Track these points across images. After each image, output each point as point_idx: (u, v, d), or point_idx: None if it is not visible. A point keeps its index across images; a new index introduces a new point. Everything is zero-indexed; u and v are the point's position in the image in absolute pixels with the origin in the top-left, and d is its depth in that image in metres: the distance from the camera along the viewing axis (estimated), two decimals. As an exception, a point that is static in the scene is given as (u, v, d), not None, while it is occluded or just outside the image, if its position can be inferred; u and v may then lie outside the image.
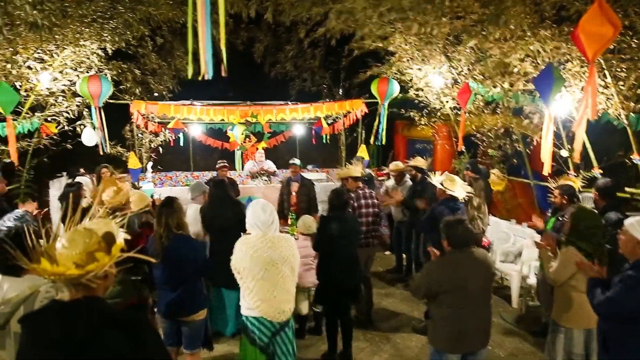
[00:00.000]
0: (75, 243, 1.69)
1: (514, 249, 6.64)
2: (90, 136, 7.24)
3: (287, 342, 3.36)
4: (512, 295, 6.18)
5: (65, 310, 1.71)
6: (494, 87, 6.64)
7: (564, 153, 5.73)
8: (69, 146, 8.19)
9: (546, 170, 4.71)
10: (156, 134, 10.42)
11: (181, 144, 10.72)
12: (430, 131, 10.83)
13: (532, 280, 5.93)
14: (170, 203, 3.75)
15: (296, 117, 9.09)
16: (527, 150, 7.01)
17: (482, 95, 7.28)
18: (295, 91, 13.17)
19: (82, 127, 7.86)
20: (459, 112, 8.08)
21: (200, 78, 2.51)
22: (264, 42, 12.59)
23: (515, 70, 5.84)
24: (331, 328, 4.75)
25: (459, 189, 5.16)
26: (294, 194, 7.29)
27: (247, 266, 3.24)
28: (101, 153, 7.27)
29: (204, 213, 5.04)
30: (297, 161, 7.49)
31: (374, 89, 7.63)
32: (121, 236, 1.83)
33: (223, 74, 2.56)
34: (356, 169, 5.61)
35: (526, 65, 5.74)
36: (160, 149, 10.63)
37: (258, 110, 8.50)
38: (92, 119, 6.99)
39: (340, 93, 12.03)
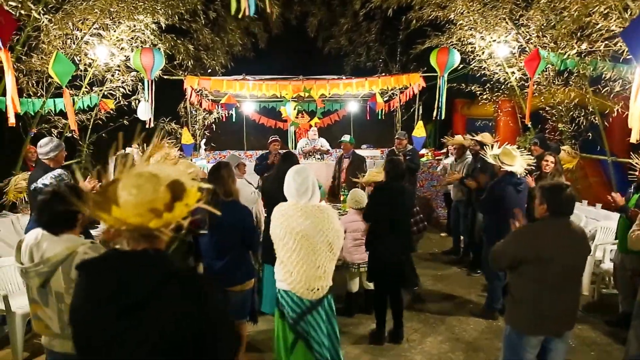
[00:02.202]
0: (145, 190, 1.45)
1: (586, 232, 6.05)
2: (145, 110, 7.32)
3: (320, 323, 3.09)
4: (583, 281, 5.62)
5: (128, 260, 1.53)
6: (568, 53, 6.00)
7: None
8: (125, 122, 8.34)
9: (634, 137, 4.15)
10: (210, 112, 10.46)
11: (233, 120, 10.71)
12: (492, 108, 10.21)
13: (607, 266, 5.38)
14: (218, 169, 3.61)
15: (350, 92, 8.75)
16: (605, 123, 6.34)
17: (552, 65, 6.64)
18: (350, 67, 12.78)
19: (137, 101, 7.97)
20: (525, 84, 7.46)
21: (240, 16, 2.28)
22: (317, 16, 12.22)
23: (597, 28, 5.19)
24: (379, 304, 4.51)
25: (518, 162, 4.72)
26: (344, 171, 7.07)
27: (279, 235, 3.04)
28: (147, 126, 7.32)
29: (267, 185, 4.85)
30: (347, 137, 7.24)
31: (433, 59, 7.17)
32: (193, 183, 1.57)
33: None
34: (379, 174, 5.12)
35: (609, 22, 5.09)
36: (214, 127, 10.67)
37: (311, 84, 8.26)
38: (144, 93, 7.04)
39: (397, 68, 11.51)
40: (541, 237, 2.86)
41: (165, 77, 8.46)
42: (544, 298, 2.86)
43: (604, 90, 6.04)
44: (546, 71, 7.02)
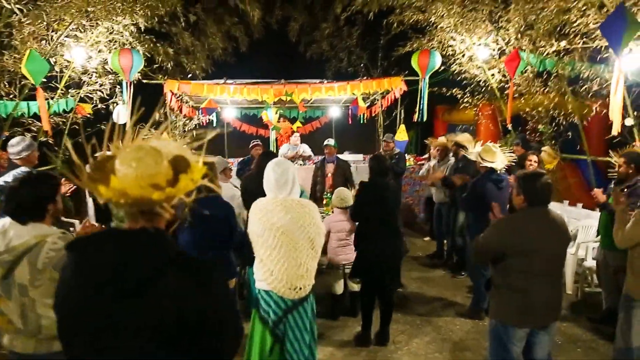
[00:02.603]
0: (146, 163, 1.32)
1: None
2: (122, 114, 7.13)
3: (300, 326, 2.96)
4: (566, 281, 5.64)
5: (126, 239, 1.39)
6: (546, 53, 6.07)
7: (629, 121, 5.14)
8: (103, 126, 8.13)
9: (615, 129, 4.17)
10: (190, 118, 10.32)
11: (214, 125, 10.58)
12: (472, 112, 10.29)
13: (589, 263, 5.39)
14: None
15: (332, 97, 8.72)
16: (584, 122, 6.41)
17: (532, 66, 6.71)
18: (332, 72, 12.78)
19: (114, 105, 7.78)
20: (506, 86, 7.52)
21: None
22: (299, 21, 12.19)
23: (574, 25, 5.26)
24: (366, 304, 4.42)
25: (499, 159, 4.73)
26: (329, 175, 7.01)
27: (257, 232, 2.91)
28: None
29: (247, 185, 4.73)
30: (331, 141, 7.19)
31: (414, 61, 7.19)
32: (197, 158, 1.46)
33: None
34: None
35: (587, 18, 5.16)
36: (194, 134, 10.51)
37: (293, 88, 8.20)
38: (123, 96, 6.87)
39: (379, 72, 11.55)
40: (521, 228, 2.83)
41: (144, 81, 8.30)
42: (528, 288, 2.82)
43: (582, 89, 6.11)
44: (525, 73, 7.09)
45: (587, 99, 6.07)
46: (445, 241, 6.98)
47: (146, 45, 7.94)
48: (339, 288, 4.96)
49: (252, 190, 4.36)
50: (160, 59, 8.37)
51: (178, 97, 9.24)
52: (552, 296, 2.91)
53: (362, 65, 12.60)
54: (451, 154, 6.66)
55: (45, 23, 6.14)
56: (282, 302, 2.91)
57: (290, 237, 2.85)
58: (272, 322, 2.92)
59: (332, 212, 5.19)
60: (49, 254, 2.21)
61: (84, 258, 1.37)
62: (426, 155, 9.28)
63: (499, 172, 4.81)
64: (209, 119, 10.49)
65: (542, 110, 7.07)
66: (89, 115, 8.14)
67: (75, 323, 1.34)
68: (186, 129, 10.27)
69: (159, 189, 1.33)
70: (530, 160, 5.37)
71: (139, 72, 7.52)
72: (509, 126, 7.90)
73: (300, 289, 2.89)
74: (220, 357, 1.44)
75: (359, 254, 4.39)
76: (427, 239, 8.23)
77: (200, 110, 9.47)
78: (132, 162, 1.33)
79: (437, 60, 7.11)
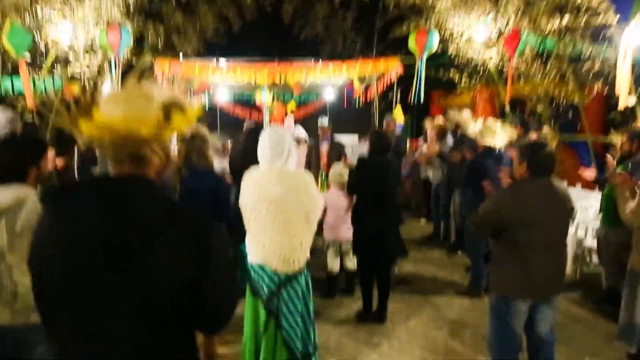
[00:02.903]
0: (136, 104, 1.17)
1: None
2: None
3: (295, 300, 2.82)
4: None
5: (115, 187, 1.20)
6: (547, 32, 5.95)
7: (631, 101, 5.04)
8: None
9: (622, 103, 4.07)
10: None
11: (206, 109, 10.37)
12: (469, 97, 10.17)
13: (589, 243, 5.32)
14: (194, 136, 3.34)
15: (327, 77, 8.51)
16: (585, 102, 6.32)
17: (531, 46, 6.59)
18: (326, 55, 12.53)
19: (102, 83, 7.55)
20: (504, 69, 7.40)
21: None
22: (293, 2, 11.93)
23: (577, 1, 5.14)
24: (365, 282, 4.32)
25: (499, 137, 4.62)
26: (324, 155, 6.86)
27: (249, 203, 2.77)
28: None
29: (234, 161, 4.59)
30: (325, 121, 7.03)
31: (411, 41, 7.01)
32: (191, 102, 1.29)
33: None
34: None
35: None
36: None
37: (287, 68, 8.01)
38: (111, 73, 6.63)
39: (374, 56, 11.35)
40: (523, 198, 2.73)
41: (134, 60, 8.07)
42: (530, 260, 2.72)
43: (583, 70, 6.00)
44: (524, 55, 6.97)
45: (588, 79, 5.96)
46: (442, 222, 6.89)
47: (135, 23, 7.68)
48: (336, 267, 4.86)
49: (239, 168, 4.33)
50: (150, 37, 8.10)
51: (169, 79, 9.01)
52: (554, 268, 2.81)
53: (357, 48, 12.39)
54: (449, 134, 6.54)
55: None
56: (275, 276, 2.78)
57: (284, 209, 2.72)
58: (266, 296, 2.80)
59: (328, 190, 5.07)
60: (29, 216, 2.06)
61: (62, 210, 1.19)
62: (421, 137, 9.16)
63: (498, 150, 4.71)
64: (201, 102, 10.27)
65: (541, 91, 6.96)
66: (77, 96, 7.92)
67: (55, 289, 1.16)
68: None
69: (148, 126, 1.17)
70: (531, 138, 5.28)
71: (128, 51, 7.29)
72: (507, 108, 7.80)
73: (294, 262, 2.78)
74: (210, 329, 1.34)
75: (356, 231, 4.27)
76: (423, 220, 8.15)
77: (191, 92, 9.24)
78: (119, 103, 1.18)
79: (434, 41, 6.93)
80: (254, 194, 2.76)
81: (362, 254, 4.32)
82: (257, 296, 2.84)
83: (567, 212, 2.84)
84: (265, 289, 2.80)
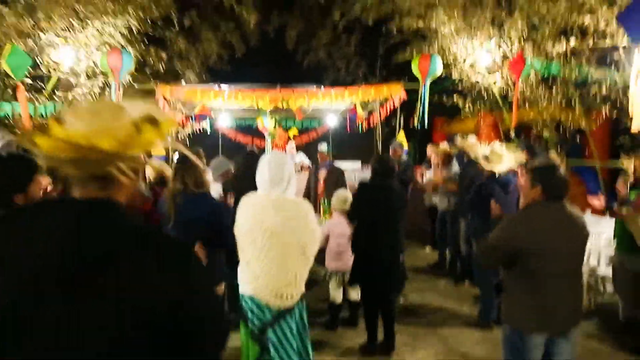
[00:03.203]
0: (102, 117, 1.03)
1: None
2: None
3: (289, 336, 2.65)
4: (578, 291, 5.33)
5: (70, 210, 1.03)
6: (552, 57, 5.88)
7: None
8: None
9: (635, 127, 3.93)
10: (183, 126, 10.04)
11: (208, 133, 10.32)
12: (472, 123, 10.08)
13: (603, 271, 5.10)
14: (186, 159, 3.21)
15: (329, 107, 8.47)
16: (593, 127, 6.20)
17: (536, 71, 6.52)
18: (329, 81, 12.54)
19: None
20: (509, 94, 7.31)
21: None
22: (296, 28, 11.95)
23: (583, 25, 5.07)
24: (369, 313, 4.11)
25: (505, 162, 4.49)
26: (321, 181, 6.75)
27: (244, 230, 2.63)
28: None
29: (229, 188, 4.47)
30: (324, 147, 6.94)
31: (414, 66, 6.97)
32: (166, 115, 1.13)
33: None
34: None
35: (597, 15, 4.96)
36: (187, 142, 10.23)
37: (289, 94, 7.96)
38: (112, 98, 6.58)
39: (377, 81, 11.34)
40: (537, 223, 2.55)
41: (136, 85, 8.03)
42: (546, 290, 2.54)
43: (590, 95, 5.90)
44: (529, 79, 6.89)
45: (596, 103, 5.86)
46: (447, 250, 6.68)
47: (137, 48, 7.68)
48: (339, 297, 4.66)
49: (235, 193, 4.13)
50: (152, 62, 8.09)
51: (171, 105, 8.98)
52: (572, 299, 2.63)
53: (360, 73, 12.41)
54: (454, 160, 6.40)
55: (30, 19, 5.87)
56: (266, 310, 2.62)
57: (279, 240, 2.57)
58: (258, 329, 2.63)
59: (330, 217, 4.91)
60: None
61: (13, 234, 1.03)
62: (424, 164, 9.02)
63: (502, 175, 4.57)
64: (202, 128, 10.22)
65: (546, 116, 6.85)
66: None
67: (9, 321, 0.97)
68: (179, 137, 9.98)
69: (111, 139, 1.01)
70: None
71: (129, 76, 7.26)
72: (512, 134, 7.68)
73: (287, 297, 2.61)
74: None
75: (357, 259, 4.09)
76: (429, 248, 7.94)
77: (193, 117, 9.18)
78: (85, 114, 1.03)
79: (438, 65, 6.88)
80: (249, 220, 2.63)
81: (364, 284, 4.12)
82: (248, 329, 2.69)
83: (583, 238, 2.67)
84: (257, 322, 2.64)
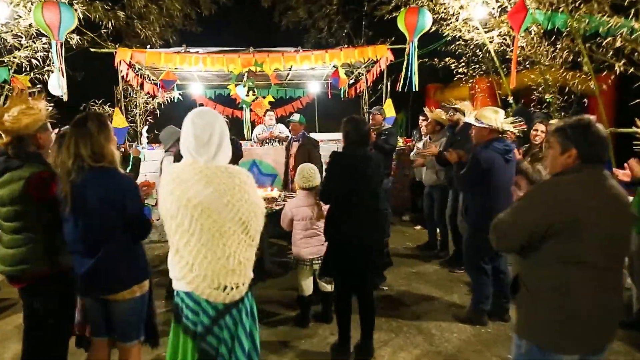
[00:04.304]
0: None
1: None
2: (57, 84, 5.99)
3: (236, 337, 2.11)
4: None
5: None
6: (557, 6, 5.08)
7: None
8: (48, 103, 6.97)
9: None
10: (153, 96, 9.20)
11: (179, 101, 9.49)
12: (467, 88, 9.32)
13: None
14: (84, 120, 2.44)
15: (308, 65, 7.60)
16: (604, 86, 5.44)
17: (538, 24, 5.71)
18: (311, 44, 11.60)
19: (49, 73, 6.64)
20: (508, 51, 6.52)
21: None
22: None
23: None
24: (342, 309, 3.44)
25: (500, 120, 3.73)
26: (292, 155, 6.02)
27: (169, 211, 2.05)
28: (64, 100, 6.01)
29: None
30: (297, 117, 6.18)
31: (400, 21, 6.14)
32: None
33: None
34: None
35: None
36: (158, 113, 9.40)
37: (263, 57, 7.12)
38: (54, 62, 5.70)
39: (363, 43, 10.41)
40: (574, 192, 1.84)
41: (92, 49, 7.18)
42: (577, 289, 1.84)
43: (601, 48, 5.12)
44: (530, 34, 6.09)
45: (608, 58, 5.08)
46: (438, 229, 6.01)
47: (86, 3, 6.75)
48: (308, 288, 3.98)
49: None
50: (108, 22, 7.17)
51: (137, 72, 8.14)
52: (610, 302, 1.90)
53: (344, 34, 11.44)
54: (448, 124, 5.63)
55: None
56: (209, 308, 2.07)
57: (213, 218, 2.00)
58: (198, 334, 2.08)
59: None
60: None
61: None
62: (414, 133, 8.30)
63: (505, 138, 3.82)
64: (176, 97, 9.39)
65: (549, 77, 6.07)
66: (27, 89, 7.03)
67: None
68: (148, 108, 9.16)
69: None
70: (537, 130, 4.44)
71: (79, 37, 6.40)
72: (510, 99, 6.92)
73: (232, 288, 2.06)
74: None
75: (330, 246, 3.39)
76: (418, 227, 7.29)
77: (158, 85, 8.34)
78: None
79: (427, 20, 6.05)
80: (174, 197, 2.03)
81: (337, 274, 3.43)
82: (187, 333, 2.11)
83: (629, 218, 1.95)
84: (197, 323, 2.08)
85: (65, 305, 2.72)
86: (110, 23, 7.28)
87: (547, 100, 6.19)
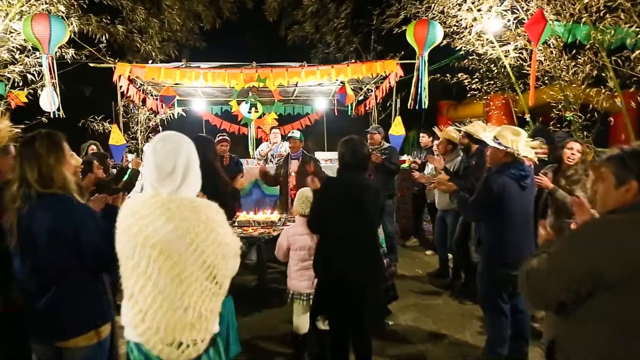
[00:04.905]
0: None
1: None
2: (48, 99, 5.74)
3: None
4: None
5: None
6: (579, 16, 4.72)
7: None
8: (44, 119, 6.76)
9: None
10: (155, 112, 8.98)
11: (180, 117, 9.25)
12: (481, 105, 8.94)
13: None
14: (32, 141, 2.12)
15: (313, 81, 7.30)
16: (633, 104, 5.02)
17: (558, 37, 5.34)
18: (318, 60, 11.32)
19: (42, 88, 6.42)
20: (525, 65, 6.14)
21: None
22: (277, -1, 10.66)
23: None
24: (338, 348, 3.02)
25: (522, 144, 3.28)
26: (292, 174, 5.67)
27: (124, 250, 1.77)
28: (52, 117, 5.76)
29: None
30: (296, 134, 5.86)
31: (409, 35, 5.82)
32: None
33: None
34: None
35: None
36: (160, 130, 9.15)
37: (267, 73, 6.84)
38: (45, 77, 5.46)
39: (372, 57, 10.08)
40: (635, 238, 1.47)
41: (92, 65, 6.97)
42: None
43: (628, 62, 4.73)
44: (549, 49, 5.71)
45: (636, 72, 4.67)
46: (450, 256, 5.58)
47: (81, 17, 6.54)
48: (303, 326, 3.59)
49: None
50: (101, 36, 6.96)
51: (139, 87, 7.93)
52: None
53: (353, 49, 11.13)
54: (460, 147, 5.24)
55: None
56: None
57: (173, 260, 1.71)
58: None
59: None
60: None
61: None
62: (414, 152, 7.89)
63: (521, 163, 3.36)
64: (178, 113, 9.15)
65: (570, 93, 5.66)
66: (24, 105, 6.85)
67: None
68: (151, 124, 8.92)
69: None
70: (572, 149, 3.94)
71: (84, 53, 6.19)
72: (527, 117, 6.52)
73: (188, 345, 1.75)
74: None
75: (320, 281, 3.01)
76: (429, 252, 6.84)
77: (158, 100, 8.11)
78: None
79: (437, 33, 5.72)
80: (130, 235, 1.74)
81: (331, 309, 3.05)
82: None
83: None
84: None
85: (20, 350, 2.38)
86: (104, 37, 7.05)
87: (568, 118, 5.76)
